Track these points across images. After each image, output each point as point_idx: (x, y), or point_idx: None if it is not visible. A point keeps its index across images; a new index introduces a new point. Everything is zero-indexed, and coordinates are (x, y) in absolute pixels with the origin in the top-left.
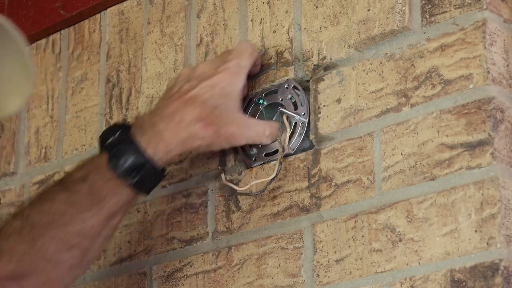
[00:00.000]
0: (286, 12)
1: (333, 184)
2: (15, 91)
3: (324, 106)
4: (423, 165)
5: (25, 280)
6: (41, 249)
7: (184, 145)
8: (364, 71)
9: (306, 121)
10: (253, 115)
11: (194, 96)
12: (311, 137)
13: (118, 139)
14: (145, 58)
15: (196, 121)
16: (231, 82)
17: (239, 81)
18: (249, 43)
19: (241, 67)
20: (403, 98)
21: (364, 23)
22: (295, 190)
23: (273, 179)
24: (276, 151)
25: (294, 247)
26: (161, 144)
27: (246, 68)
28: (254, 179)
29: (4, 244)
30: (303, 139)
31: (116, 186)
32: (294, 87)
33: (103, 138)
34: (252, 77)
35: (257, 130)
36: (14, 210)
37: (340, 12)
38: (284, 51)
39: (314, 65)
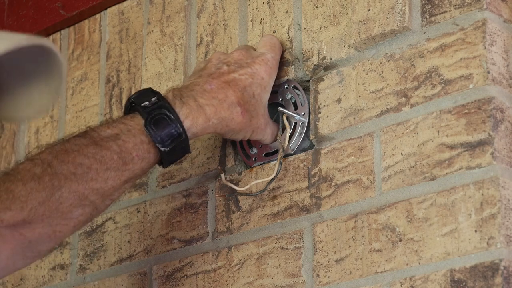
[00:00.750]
0: (286, 12)
1: (333, 184)
2: (39, 98)
3: (324, 106)
4: (423, 165)
5: (28, 228)
6: (58, 201)
7: (221, 124)
8: (364, 71)
9: (306, 121)
10: None
11: (236, 79)
12: (311, 137)
13: (156, 104)
14: (145, 58)
15: (235, 106)
16: (270, 74)
17: (275, 75)
18: (276, 38)
19: (276, 61)
20: (403, 98)
21: (364, 23)
22: (295, 190)
23: (273, 179)
24: (276, 151)
25: (294, 247)
26: (201, 118)
27: (278, 63)
28: (254, 179)
29: (21, 189)
30: (303, 139)
31: (147, 151)
32: (294, 87)
33: (135, 100)
34: None
35: (273, 129)
36: (30, 153)
37: (340, 12)
38: (284, 51)
39: (314, 65)
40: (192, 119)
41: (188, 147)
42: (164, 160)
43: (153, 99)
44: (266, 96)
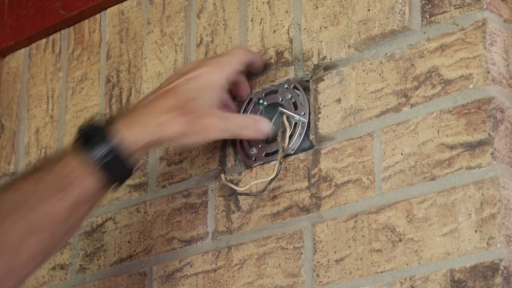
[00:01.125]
0: (286, 12)
1: (333, 184)
2: None
3: (324, 106)
4: (423, 165)
5: None
6: (5, 234)
7: (155, 134)
8: (364, 71)
9: (306, 121)
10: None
11: (172, 87)
12: (311, 137)
13: (89, 127)
14: (145, 58)
15: (169, 110)
16: (214, 75)
17: (223, 75)
18: (242, 46)
19: (230, 63)
20: (403, 98)
21: (364, 23)
22: (295, 190)
23: (273, 179)
24: (276, 151)
25: (294, 247)
26: (130, 132)
27: (236, 65)
28: (254, 179)
29: None
30: (303, 139)
31: (83, 171)
32: (294, 87)
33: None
34: (251, 78)
35: (237, 122)
36: None
37: (340, 12)
38: (284, 51)
39: (314, 65)
40: (122, 134)
41: (127, 164)
42: (106, 179)
43: (90, 123)
44: (212, 95)
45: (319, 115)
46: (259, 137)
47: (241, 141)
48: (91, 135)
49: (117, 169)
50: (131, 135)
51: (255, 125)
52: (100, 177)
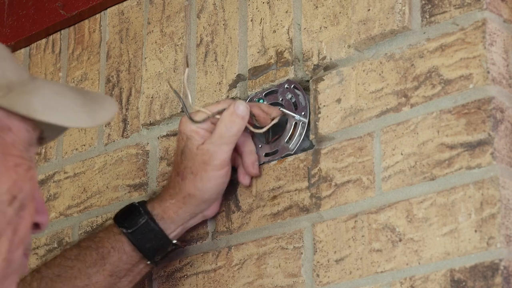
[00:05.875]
0: (286, 12)
1: (333, 184)
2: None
3: (324, 106)
4: (423, 165)
5: None
6: None
7: (179, 194)
8: (364, 71)
9: (306, 121)
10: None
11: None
12: (311, 137)
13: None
14: (145, 58)
15: (177, 174)
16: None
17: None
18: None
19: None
20: (403, 98)
21: (364, 23)
22: (295, 190)
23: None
24: (276, 151)
25: (294, 247)
26: (160, 200)
27: (235, 138)
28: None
29: None
30: (303, 139)
31: (118, 240)
32: (294, 87)
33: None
34: (252, 78)
35: (218, 127)
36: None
37: (340, 12)
38: (284, 51)
39: (314, 65)
40: (154, 203)
41: (160, 233)
42: (140, 248)
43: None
44: (189, 153)
45: (319, 115)
46: (241, 115)
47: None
48: (126, 210)
49: (147, 236)
50: (160, 204)
51: (231, 112)
52: (132, 244)
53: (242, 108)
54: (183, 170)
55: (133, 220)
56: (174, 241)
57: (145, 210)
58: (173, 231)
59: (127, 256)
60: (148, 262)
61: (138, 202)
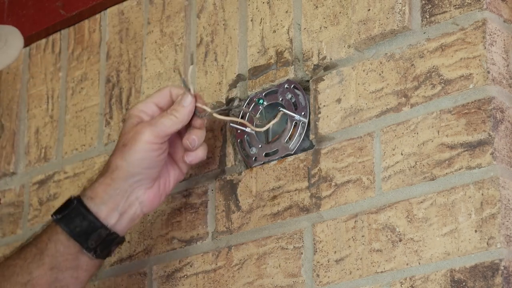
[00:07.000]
0: (286, 12)
1: (333, 184)
2: None
3: (324, 106)
4: (423, 165)
5: None
6: None
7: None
8: (364, 71)
9: (306, 121)
10: (253, 115)
11: None
12: (311, 137)
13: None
14: (145, 58)
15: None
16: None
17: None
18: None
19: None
20: (403, 98)
21: (364, 23)
22: (295, 190)
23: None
24: (276, 151)
25: (294, 247)
26: (88, 184)
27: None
28: (254, 179)
29: None
30: (303, 139)
31: (53, 231)
32: (294, 87)
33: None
34: (252, 78)
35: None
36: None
37: (340, 12)
38: (284, 51)
39: (314, 65)
40: (85, 188)
41: (87, 211)
42: (68, 231)
43: None
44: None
45: (319, 115)
46: (185, 105)
47: (241, 141)
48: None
49: (77, 219)
50: (87, 184)
51: (178, 101)
52: (66, 233)
53: (187, 100)
54: (116, 145)
55: (64, 206)
56: (112, 230)
57: (76, 196)
58: (107, 215)
59: (63, 246)
60: (90, 254)
61: None
